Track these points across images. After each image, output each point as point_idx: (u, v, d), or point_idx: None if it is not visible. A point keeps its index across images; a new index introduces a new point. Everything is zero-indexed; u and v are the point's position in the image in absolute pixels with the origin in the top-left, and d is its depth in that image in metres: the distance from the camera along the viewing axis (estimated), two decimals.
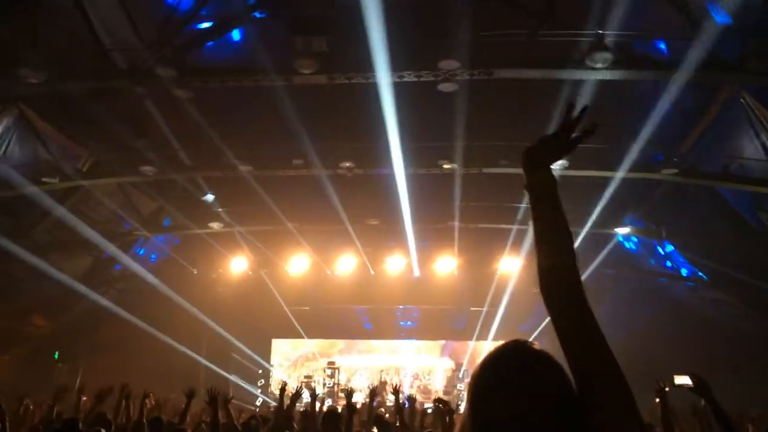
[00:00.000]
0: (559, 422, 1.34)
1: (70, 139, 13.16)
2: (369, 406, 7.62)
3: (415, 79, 10.23)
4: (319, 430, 5.96)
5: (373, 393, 7.62)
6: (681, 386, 4.25)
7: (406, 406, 8.18)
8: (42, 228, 14.96)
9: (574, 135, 1.69)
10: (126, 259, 18.02)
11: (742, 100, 10.81)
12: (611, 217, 16.29)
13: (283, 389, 7.29)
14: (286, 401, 7.33)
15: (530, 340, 1.53)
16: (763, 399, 12.97)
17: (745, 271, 14.21)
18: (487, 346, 22.01)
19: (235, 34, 12.02)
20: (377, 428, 6.08)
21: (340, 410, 7.97)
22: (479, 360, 1.50)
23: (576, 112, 1.70)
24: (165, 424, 5.99)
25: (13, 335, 17.17)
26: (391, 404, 14.82)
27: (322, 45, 9.53)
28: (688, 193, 14.14)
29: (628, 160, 12.83)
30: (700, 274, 16.43)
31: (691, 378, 4.09)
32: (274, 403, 18.99)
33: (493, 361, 1.46)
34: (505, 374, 1.41)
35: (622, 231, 16.74)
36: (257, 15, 11.17)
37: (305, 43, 9.49)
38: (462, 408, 15.44)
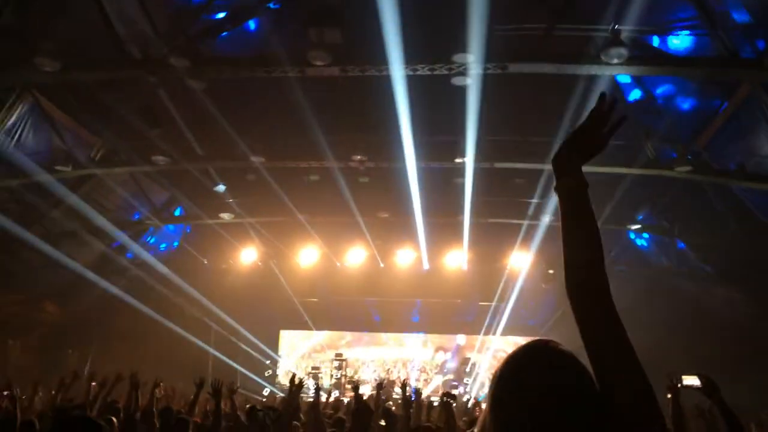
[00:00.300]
0: (584, 425, 1.31)
1: (83, 127, 13.21)
2: (377, 399, 7.63)
3: (429, 73, 10.17)
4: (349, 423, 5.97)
5: (380, 386, 7.64)
6: (689, 386, 4.20)
7: (413, 399, 8.19)
8: (54, 216, 15.04)
9: (608, 128, 1.65)
10: (137, 248, 18.12)
11: (759, 98, 10.67)
12: (624, 214, 16.21)
13: (293, 381, 7.31)
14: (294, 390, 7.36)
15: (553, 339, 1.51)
16: None
17: (758, 269, 14.10)
18: (495, 341, 22.02)
19: (250, 25, 12.00)
20: (384, 420, 6.09)
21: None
22: (502, 359, 1.48)
23: (606, 105, 1.67)
24: (175, 414, 6.03)
25: (25, 322, 17.33)
26: (398, 397, 14.87)
27: (336, 37, 9.48)
28: (701, 191, 14.03)
29: (642, 157, 12.77)
30: (713, 272, 16.31)
31: (699, 378, 4.06)
32: (281, 394, 19.10)
33: (517, 361, 1.44)
34: (530, 376, 1.38)
35: (634, 228, 16.65)
36: (272, 6, 11.15)
37: (319, 35, 9.44)
38: (469, 401, 15.46)
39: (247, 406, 8.63)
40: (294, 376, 7.56)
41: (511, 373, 1.41)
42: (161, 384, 7.07)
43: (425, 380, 23.01)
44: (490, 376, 1.45)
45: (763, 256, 13.89)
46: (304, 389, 10.06)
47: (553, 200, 12.59)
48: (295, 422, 6.43)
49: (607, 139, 1.67)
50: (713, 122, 12.01)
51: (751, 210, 13.34)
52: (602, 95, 1.69)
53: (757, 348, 14.52)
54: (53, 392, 6.48)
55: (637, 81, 12.89)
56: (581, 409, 1.32)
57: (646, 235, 18.35)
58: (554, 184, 1.64)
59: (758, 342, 14.73)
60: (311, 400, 10.23)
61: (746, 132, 11.75)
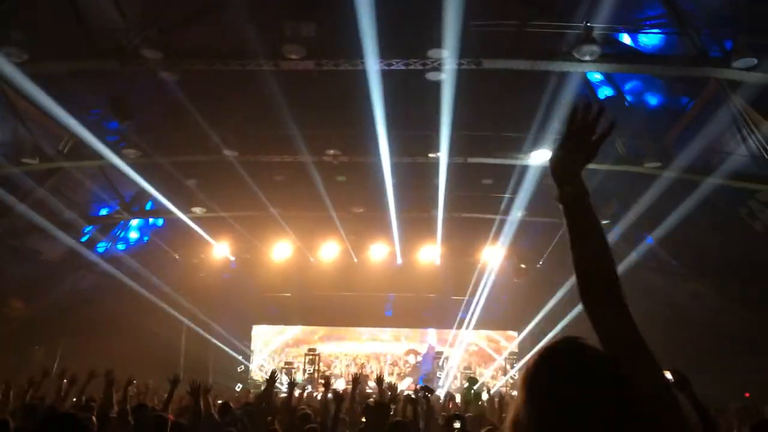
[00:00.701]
0: (621, 424, 1.32)
1: (51, 119, 12.93)
2: (352, 393, 7.64)
3: (404, 68, 10.19)
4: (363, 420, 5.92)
5: (357, 381, 7.65)
6: None
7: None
8: (21, 209, 14.72)
9: (594, 137, 1.68)
10: (106, 243, 17.84)
11: (726, 96, 10.91)
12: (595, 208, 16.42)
13: (272, 376, 7.25)
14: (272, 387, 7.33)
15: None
16: (742, 391, 13.26)
17: (724, 264, 14.44)
18: (468, 335, 22.20)
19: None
20: (366, 417, 6.09)
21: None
22: (532, 357, 1.47)
23: (593, 113, 1.69)
24: (149, 411, 5.96)
25: None
26: (371, 391, 14.90)
27: (310, 30, 9.44)
28: (670, 186, 14.28)
29: (612, 153, 12.96)
30: (681, 266, 16.64)
31: (671, 373, 4.15)
32: (253, 390, 19.01)
33: (552, 362, 1.43)
34: (567, 379, 1.37)
35: (603, 222, 16.88)
36: None
37: (294, 28, 9.39)
38: (441, 394, 15.57)
39: (219, 402, 8.58)
40: (274, 372, 7.51)
41: (550, 377, 1.40)
42: (134, 381, 6.97)
43: (398, 374, 23.11)
44: (524, 371, 1.45)
45: (728, 251, 14.24)
46: (276, 385, 10.03)
47: (525, 195, 12.71)
48: (270, 417, 6.40)
49: (597, 148, 1.69)
50: (681, 119, 12.26)
51: (717, 205, 13.62)
52: (587, 104, 1.70)
53: (722, 340, 14.88)
54: (24, 390, 6.33)
55: (608, 78, 13.09)
56: (620, 411, 1.32)
57: (615, 229, 18.61)
58: (555, 194, 1.67)
59: (723, 335, 15.11)
60: (284, 395, 10.19)
61: (714, 129, 12.00)
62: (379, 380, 7.54)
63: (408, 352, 23.72)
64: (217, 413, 6.68)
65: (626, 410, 1.32)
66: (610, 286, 1.56)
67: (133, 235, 19.98)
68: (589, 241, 1.60)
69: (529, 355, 1.27)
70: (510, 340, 23.13)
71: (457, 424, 4.05)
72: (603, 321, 1.53)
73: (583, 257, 1.60)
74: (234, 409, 6.89)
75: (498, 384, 21.40)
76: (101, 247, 18.01)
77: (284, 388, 10.26)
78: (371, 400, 6.99)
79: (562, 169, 1.67)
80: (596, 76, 13.27)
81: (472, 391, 12.75)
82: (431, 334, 23.90)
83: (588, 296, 1.56)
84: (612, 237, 18.12)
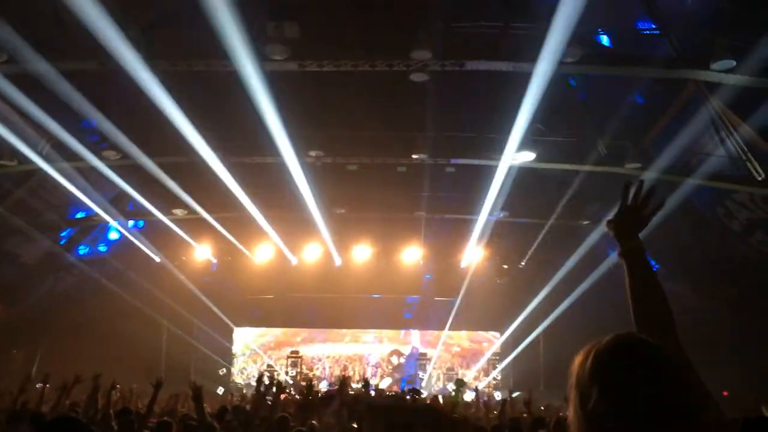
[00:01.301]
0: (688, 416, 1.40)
1: (29, 120, 12.74)
2: (339, 396, 7.63)
3: (387, 69, 10.20)
4: None
5: (344, 383, 7.64)
6: None
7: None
8: None
9: (649, 211, 1.98)
10: (86, 245, 17.63)
11: (703, 98, 11.06)
12: (576, 210, 16.60)
13: (260, 379, 7.21)
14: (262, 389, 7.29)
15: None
16: (719, 391, 13.43)
17: (702, 264, 14.65)
18: (451, 336, 22.29)
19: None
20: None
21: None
22: (588, 355, 1.50)
23: (643, 192, 2.00)
24: (133, 415, 5.90)
25: None
26: (354, 393, 14.88)
27: (294, 31, 9.41)
28: (651, 187, 14.45)
29: (592, 154, 13.09)
30: (661, 267, 16.84)
31: None
32: (235, 393, 18.91)
33: (627, 354, 1.47)
34: (643, 370, 1.42)
35: (585, 223, 17.06)
36: None
37: (277, 29, 9.35)
38: (424, 394, 15.59)
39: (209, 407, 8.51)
40: (262, 374, 7.47)
41: (618, 379, 1.44)
42: (118, 386, 6.89)
43: (381, 375, 23.11)
44: (575, 370, 1.50)
45: (707, 251, 14.45)
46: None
47: (506, 196, 12.74)
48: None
49: (649, 219, 1.99)
50: (660, 120, 12.42)
51: (695, 206, 13.82)
52: (640, 183, 2.04)
53: (701, 340, 15.05)
54: (14, 397, 6.22)
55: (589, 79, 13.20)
56: (685, 403, 1.41)
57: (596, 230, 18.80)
58: (618, 249, 1.94)
59: (702, 334, 15.29)
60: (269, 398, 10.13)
61: (692, 130, 12.17)
62: (365, 383, 7.55)
63: (392, 353, 23.74)
64: (215, 418, 6.62)
65: (691, 404, 1.42)
66: (671, 327, 1.83)
67: (113, 235, 19.76)
68: (651, 288, 1.86)
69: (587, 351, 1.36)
70: (492, 341, 23.25)
71: None
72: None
73: (645, 302, 1.85)
74: (226, 412, 6.84)
75: (481, 384, 21.47)
76: (81, 249, 17.79)
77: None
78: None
79: (621, 231, 1.97)
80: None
81: (459, 393, 12.84)
82: (414, 335, 23.94)
83: (649, 334, 1.66)
84: (593, 238, 18.35)
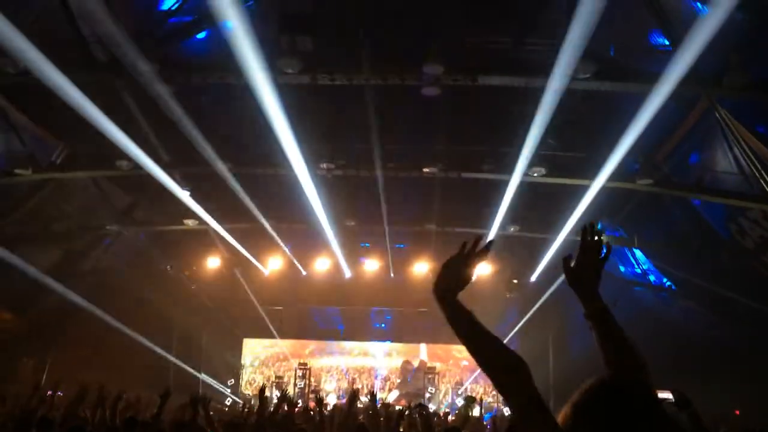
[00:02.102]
0: None
1: (45, 130, 12.89)
2: (348, 411, 7.60)
3: (399, 83, 10.23)
4: None
5: (354, 397, 7.62)
6: (663, 400, 4.33)
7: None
8: (12, 220, 14.63)
9: (601, 255, 2.08)
10: (97, 254, 17.72)
11: (717, 114, 11.01)
12: (584, 224, 16.50)
13: (262, 392, 7.22)
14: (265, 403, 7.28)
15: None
16: (732, 407, 13.28)
17: (714, 280, 14.51)
18: (460, 350, 22.13)
19: (222, 29, 11.85)
20: None
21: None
22: (579, 397, 1.67)
23: (594, 235, 2.11)
24: (140, 424, 5.90)
25: None
26: (362, 406, 14.83)
27: (307, 44, 9.47)
28: (661, 203, 14.38)
29: (604, 170, 13.03)
30: (670, 283, 16.72)
31: (672, 393, 4.18)
32: (241, 402, 18.88)
33: (598, 410, 1.62)
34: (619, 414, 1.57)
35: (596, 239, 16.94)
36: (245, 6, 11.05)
37: (290, 42, 9.42)
38: (432, 409, 15.48)
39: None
40: (264, 388, 7.47)
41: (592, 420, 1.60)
42: (124, 396, 6.90)
43: (389, 389, 23.02)
44: (566, 411, 1.67)
45: (719, 268, 14.31)
46: (268, 399, 9.96)
47: (515, 210, 12.73)
48: None
49: (602, 266, 2.08)
50: (672, 136, 12.35)
51: (708, 223, 13.72)
52: (590, 226, 2.14)
53: (714, 357, 14.92)
54: (28, 400, 6.24)
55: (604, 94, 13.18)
56: None
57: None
58: (583, 312, 2.04)
59: (715, 351, 15.15)
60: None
61: (704, 147, 12.11)
62: (372, 396, 7.51)
63: (404, 364, 23.64)
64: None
65: None
66: (641, 370, 1.95)
67: (125, 243, 19.84)
68: (619, 344, 1.97)
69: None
70: None
71: None
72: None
73: (614, 355, 1.94)
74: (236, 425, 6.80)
75: (489, 399, 21.32)
76: (92, 258, 17.88)
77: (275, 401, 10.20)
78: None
79: (581, 288, 2.05)
80: None
81: (470, 410, 12.74)
82: (423, 349, 23.84)
83: (622, 376, 1.85)
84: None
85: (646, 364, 1.95)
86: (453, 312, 1.99)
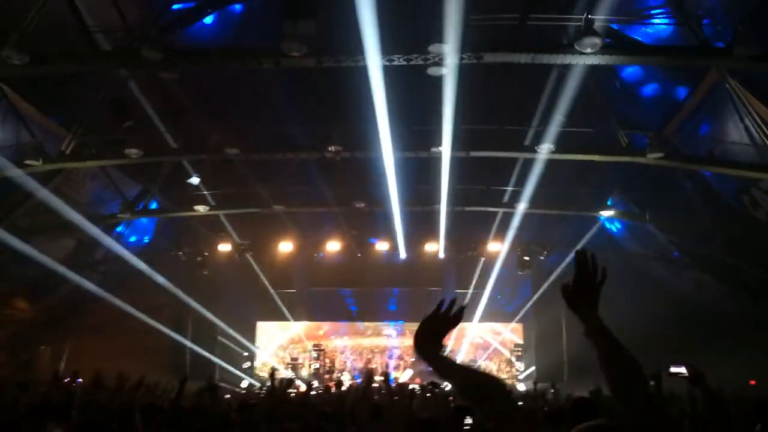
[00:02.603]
0: None
1: (53, 120, 12.95)
2: (363, 390, 7.68)
3: (405, 63, 10.16)
4: None
5: (370, 377, 7.70)
6: (676, 374, 4.35)
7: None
8: (24, 210, 14.75)
9: (598, 279, 2.13)
10: (110, 242, 17.84)
11: (727, 85, 10.88)
12: (596, 200, 16.46)
13: (272, 374, 7.31)
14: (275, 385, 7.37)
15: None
16: (745, 379, 13.27)
17: (727, 252, 14.44)
18: (473, 328, 22.25)
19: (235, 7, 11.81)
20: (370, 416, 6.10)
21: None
22: None
23: (590, 264, 2.14)
24: (159, 410, 5.98)
25: None
26: (377, 386, 14.96)
27: (310, 28, 9.40)
28: (672, 176, 14.28)
29: (614, 144, 12.95)
30: (683, 256, 16.65)
31: (686, 367, 4.18)
32: (258, 384, 19.10)
33: None
34: None
35: (606, 214, 16.89)
36: None
37: (293, 26, 9.35)
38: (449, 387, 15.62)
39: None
40: (273, 369, 7.57)
41: None
42: (144, 382, 7.00)
43: (403, 367, 23.19)
44: None
45: (731, 240, 14.23)
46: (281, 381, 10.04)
47: (526, 188, 12.68)
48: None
49: (599, 291, 2.14)
50: (682, 109, 12.24)
51: (719, 195, 13.63)
52: (583, 255, 2.17)
53: (727, 328, 14.90)
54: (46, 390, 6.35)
55: (610, 69, 13.06)
56: None
57: (617, 224, 18.63)
58: (584, 329, 2.10)
59: (727, 323, 15.12)
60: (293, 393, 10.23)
61: (715, 118, 11.99)
62: (385, 376, 7.58)
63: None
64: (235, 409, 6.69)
65: None
66: (643, 387, 2.03)
67: (137, 232, 19.99)
68: (620, 357, 2.01)
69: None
70: (515, 332, 23.17)
71: (468, 420, 4.11)
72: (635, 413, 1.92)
73: (618, 370, 2.00)
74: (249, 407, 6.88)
75: (503, 377, 21.42)
76: (105, 246, 18.01)
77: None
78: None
79: (579, 307, 2.12)
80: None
81: None
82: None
83: (624, 398, 1.96)
84: (615, 228, 18.18)
85: (646, 379, 2.05)
86: (438, 367, 2.14)
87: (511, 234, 18.13)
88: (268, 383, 8.22)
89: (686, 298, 16.92)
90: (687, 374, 4.16)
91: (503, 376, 21.63)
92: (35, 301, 17.63)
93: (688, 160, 12.54)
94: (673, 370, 4.41)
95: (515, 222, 17.18)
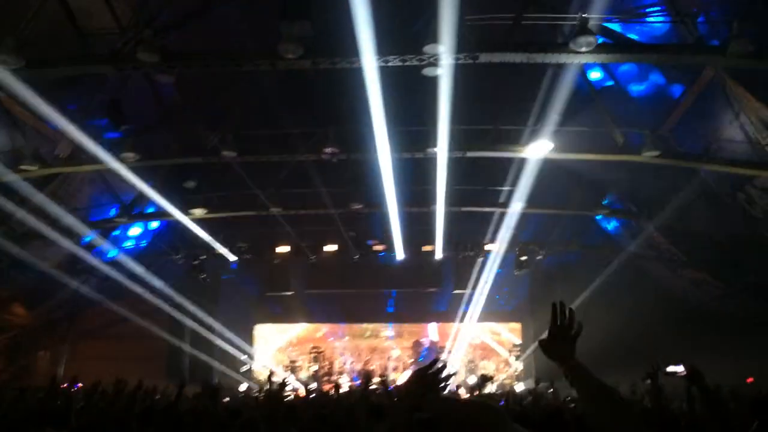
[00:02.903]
0: None
1: (48, 125, 12.90)
2: (363, 391, 7.66)
3: (400, 64, 10.16)
4: None
5: (368, 379, 7.69)
6: (674, 373, 4.36)
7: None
8: (20, 216, 14.71)
9: (573, 332, 2.26)
10: (107, 246, 17.81)
11: (722, 83, 10.92)
12: (593, 199, 16.48)
13: (270, 378, 7.29)
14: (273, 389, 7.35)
15: None
16: (743, 377, 13.30)
17: (724, 251, 14.47)
18: (470, 328, 22.26)
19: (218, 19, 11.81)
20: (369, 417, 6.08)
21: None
22: None
23: (566, 317, 2.27)
24: (157, 414, 5.97)
25: None
26: (375, 387, 14.94)
27: (306, 29, 9.40)
28: (668, 174, 14.30)
29: (610, 143, 12.97)
30: (680, 254, 16.68)
31: (684, 366, 4.19)
32: (256, 387, 19.07)
33: None
34: None
35: (602, 212, 16.92)
36: None
37: (289, 27, 9.35)
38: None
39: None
40: (271, 372, 7.56)
41: None
42: (142, 387, 6.96)
43: (403, 368, 23.19)
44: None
45: (728, 237, 14.26)
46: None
47: (523, 188, 12.69)
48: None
49: (575, 340, 2.26)
50: (677, 107, 12.27)
51: (715, 192, 13.66)
52: (561, 308, 2.29)
53: (723, 326, 14.92)
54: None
55: (605, 68, 13.10)
56: None
57: (614, 223, 18.66)
58: (563, 371, 2.23)
59: (724, 321, 15.15)
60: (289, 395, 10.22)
61: (711, 116, 12.02)
62: (383, 378, 7.57)
63: (414, 344, 23.79)
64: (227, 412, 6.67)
65: None
66: (623, 410, 2.12)
67: (134, 236, 19.95)
68: (600, 393, 2.13)
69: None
70: (513, 332, 23.18)
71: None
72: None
73: (599, 405, 2.13)
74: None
75: (502, 377, 21.46)
76: (102, 251, 17.98)
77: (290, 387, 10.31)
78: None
79: (557, 356, 2.26)
80: (596, 74, 13.33)
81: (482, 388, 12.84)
82: (433, 329, 23.96)
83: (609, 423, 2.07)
84: (612, 227, 18.19)
85: (630, 408, 2.20)
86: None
87: (508, 234, 18.13)
88: (266, 387, 8.23)
89: (684, 297, 16.95)
90: (685, 373, 4.16)
91: (502, 375, 21.64)
92: (33, 307, 17.60)
93: (684, 158, 12.56)
94: (670, 369, 4.42)
95: (512, 222, 17.19)
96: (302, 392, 16.03)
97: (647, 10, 11.28)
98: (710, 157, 12.06)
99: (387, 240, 19.75)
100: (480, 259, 20.30)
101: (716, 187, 13.53)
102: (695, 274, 16.28)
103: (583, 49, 9.49)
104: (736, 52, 8.91)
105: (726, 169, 12.15)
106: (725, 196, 13.52)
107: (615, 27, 11.44)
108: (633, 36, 11.73)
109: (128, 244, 19.68)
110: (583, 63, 10.84)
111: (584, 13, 9.37)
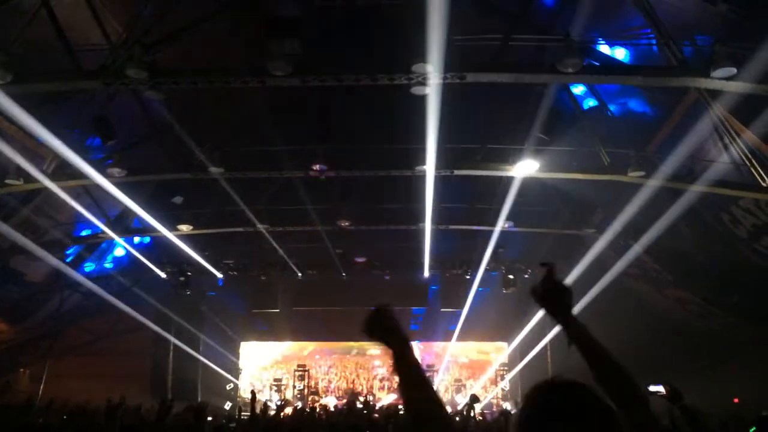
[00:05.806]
0: None
1: (34, 140, 12.83)
2: (347, 412, 7.62)
3: (388, 82, 10.22)
4: None
5: (352, 404, 7.66)
6: (655, 393, 4.38)
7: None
8: (4, 230, 14.56)
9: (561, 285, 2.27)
10: (92, 262, 17.66)
11: (706, 105, 11.06)
12: (579, 218, 16.58)
13: (253, 398, 7.23)
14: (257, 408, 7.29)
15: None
16: (728, 397, 13.35)
17: (708, 270, 14.57)
18: (457, 347, 22.20)
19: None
20: None
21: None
22: (530, 395, 1.75)
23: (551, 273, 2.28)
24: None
25: None
26: (361, 407, 14.84)
27: (295, 47, 9.45)
28: (652, 194, 14.41)
29: (596, 163, 13.09)
30: (665, 274, 16.77)
31: (664, 386, 4.22)
32: (240, 406, 18.85)
33: (545, 404, 1.69)
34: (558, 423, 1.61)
35: (590, 232, 17.00)
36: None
37: (279, 45, 9.39)
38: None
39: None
40: (254, 393, 7.49)
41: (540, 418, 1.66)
42: (123, 405, 6.89)
43: (389, 389, 23.03)
44: (517, 409, 1.69)
45: (712, 257, 14.38)
46: (267, 402, 9.97)
47: (509, 205, 12.73)
48: None
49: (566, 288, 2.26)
50: (662, 128, 12.42)
51: (701, 213, 13.78)
52: (546, 264, 2.30)
53: (709, 346, 14.99)
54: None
55: (591, 89, 13.25)
56: None
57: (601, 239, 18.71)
58: (564, 334, 2.21)
59: (709, 341, 15.23)
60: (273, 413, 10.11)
61: (694, 137, 12.16)
62: (366, 403, 7.52)
63: None
64: None
65: None
66: (627, 385, 2.10)
67: (119, 252, 19.78)
68: (602, 358, 2.13)
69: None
70: (500, 351, 23.14)
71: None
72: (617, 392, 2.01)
73: (600, 372, 2.10)
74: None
75: (489, 396, 21.37)
76: (87, 266, 17.82)
77: (274, 405, 10.20)
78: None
79: (559, 312, 2.24)
80: (579, 89, 13.46)
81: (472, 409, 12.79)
82: (420, 347, 23.86)
83: (606, 381, 2.05)
84: (598, 246, 18.27)
85: (631, 375, 2.10)
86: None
87: (495, 252, 18.17)
88: (250, 406, 8.16)
89: (669, 316, 17.02)
90: (664, 392, 4.19)
91: (488, 395, 21.56)
92: (15, 323, 17.36)
93: (668, 179, 12.68)
94: (651, 389, 4.44)
95: (499, 240, 17.24)
96: (288, 411, 15.88)
97: (632, 32, 11.45)
98: (695, 178, 12.19)
99: (375, 258, 19.74)
100: (467, 278, 20.30)
101: (701, 208, 13.65)
102: (680, 294, 16.36)
103: (569, 70, 9.61)
104: (718, 74, 9.05)
105: (710, 190, 12.27)
106: (710, 217, 13.65)
107: (600, 48, 11.60)
108: (624, 50, 11.91)
109: (113, 259, 19.52)
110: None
111: (570, 35, 9.50)
